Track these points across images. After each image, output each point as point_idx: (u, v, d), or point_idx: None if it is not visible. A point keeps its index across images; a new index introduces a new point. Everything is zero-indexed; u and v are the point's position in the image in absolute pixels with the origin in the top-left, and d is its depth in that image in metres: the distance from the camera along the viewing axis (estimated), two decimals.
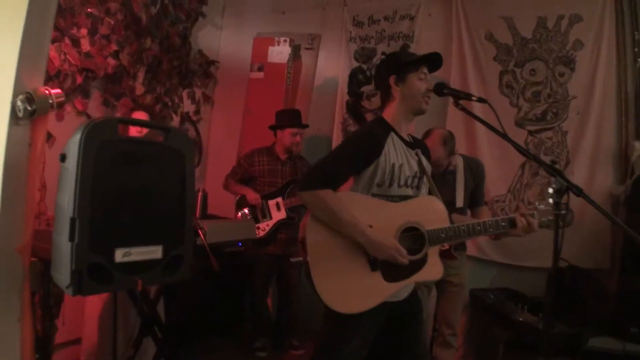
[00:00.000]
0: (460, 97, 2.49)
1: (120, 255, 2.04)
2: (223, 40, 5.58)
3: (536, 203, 2.53)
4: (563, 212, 2.09)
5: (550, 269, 4.15)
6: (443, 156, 3.77)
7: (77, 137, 1.94)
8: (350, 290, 2.32)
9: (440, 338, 3.90)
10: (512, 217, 2.43)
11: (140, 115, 3.86)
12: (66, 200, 1.94)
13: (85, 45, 4.06)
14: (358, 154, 2.43)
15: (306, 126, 4.71)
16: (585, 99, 4.56)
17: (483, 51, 4.83)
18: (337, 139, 5.25)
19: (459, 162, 3.87)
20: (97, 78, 4.23)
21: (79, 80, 4.04)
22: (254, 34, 5.43)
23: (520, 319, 3.83)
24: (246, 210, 4.51)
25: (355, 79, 5.27)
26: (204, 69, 5.38)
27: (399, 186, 2.47)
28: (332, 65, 5.36)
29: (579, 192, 2.04)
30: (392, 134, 2.50)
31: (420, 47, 5.04)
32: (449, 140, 3.80)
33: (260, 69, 5.28)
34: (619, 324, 3.91)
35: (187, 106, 5.30)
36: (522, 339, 3.77)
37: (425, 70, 2.53)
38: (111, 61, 4.28)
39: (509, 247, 4.57)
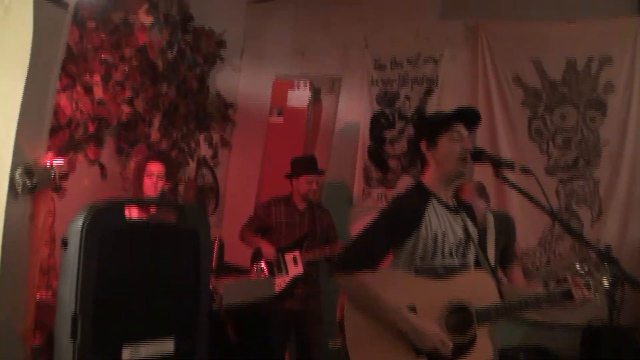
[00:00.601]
0: (501, 165, 2.31)
1: (127, 354, 1.90)
2: (241, 82, 5.57)
3: (590, 270, 2.38)
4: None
5: (585, 327, 4.05)
6: (483, 208, 3.59)
7: (79, 224, 1.83)
8: None
9: None
10: (568, 289, 2.30)
11: (155, 165, 3.80)
12: (67, 293, 1.82)
13: (98, 92, 4.09)
14: (396, 227, 2.29)
15: (322, 172, 4.62)
16: (617, 145, 4.38)
17: (511, 95, 4.70)
18: (358, 186, 5.15)
19: (488, 218, 3.71)
20: (111, 125, 4.22)
21: (91, 128, 4.04)
22: (273, 77, 5.42)
23: None
24: (263, 265, 4.39)
25: (377, 124, 5.17)
26: (221, 112, 5.37)
27: (443, 256, 2.31)
28: (353, 109, 5.27)
29: (637, 286, 1.91)
30: (433, 199, 2.35)
31: (444, 91, 4.98)
32: (482, 190, 3.64)
33: (279, 114, 5.27)
34: None
35: (204, 150, 5.29)
36: None
37: (459, 128, 2.35)
38: (125, 108, 4.29)
39: None
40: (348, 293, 2.24)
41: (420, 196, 2.36)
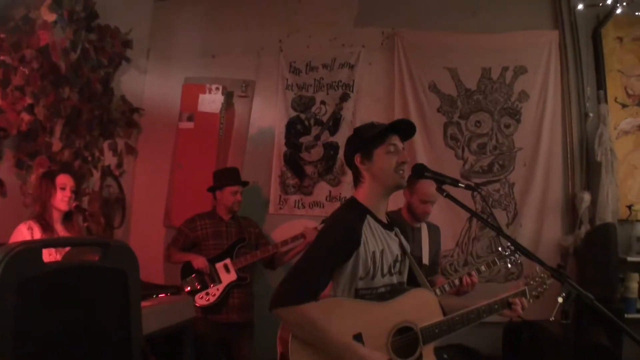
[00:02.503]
0: (445, 182, 2.40)
1: None
2: (147, 85, 5.40)
3: (528, 280, 2.64)
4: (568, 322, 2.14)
5: (506, 324, 4.33)
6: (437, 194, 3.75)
7: None
8: None
9: None
10: (505, 299, 2.47)
11: (65, 178, 3.64)
12: None
13: None
14: (336, 250, 2.26)
15: (246, 183, 4.63)
16: (531, 151, 4.80)
17: (427, 102, 4.97)
18: (274, 193, 5.20)
19: (422, 228, 3.91)
20: (10, 136, 3.97)
21: None
22: (182, 79, 5.30)
23: None
24: (194, 280, 4.35)
25: (293, 129, 5.23)
26: (126, 116, 5.18)
27: (383, 275, 2.35)
28: (267, 115, 5.30)
29: (590, 301, 2.01)
30: (368, 217, 2.36)
31: (361, 97, 5.15)
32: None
33: (190, 119, 5.17)
34: None
35: (109, 159, 5.07)
36: None
37: (394, 140, 2.39)
38: (25, 116, 4.04)
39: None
40: (291, 328, 2.19)
41: (356, 214, 2.37)
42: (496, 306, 2.46)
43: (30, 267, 1.70)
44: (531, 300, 2.56)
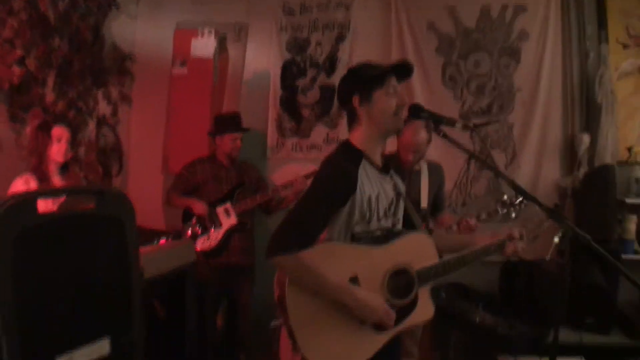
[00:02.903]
0: (442, 122, 2.37)
1: None
2: (139, 32, 5.28)
3: (526, 222, 2.71)
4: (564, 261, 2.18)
5: (503, 264, 4.43)
6: (426, 140, 3.77)
7: None
8: (341, 349, 2.24)
9: (403, 348, 3.99)
10: (502, 241, 2.52)
11: (60, 130, 3.62)
12: None
13: None
14: (332, 196, 2.25)
15: (246, 130, 4.63)
16: (530, 91, 4.77)
17: (425, 42, 4.89)
18: (271, 137, 5.20)
19: (422, 165, 3.95)
20: (2, 90, 3.96)
21: None
22: (174, 25, 5.20)
23: (477, 320, 3.97)
24: (196, 225, 4.43)
25: (288, 72, 5.18)
26: (119, 64, 5.13)
27: (378, 219, 2.36)
28: (262, 58, 5.23)
29: (587, 241, 2.06)
30: (364, 161, 2.34)
31: (357, 38, 5.08)
32: (430, 126, 3.76)
33: (183, 64, 5.11)
34: (574, 315, 4.16)
35: (103, 108, 5.05)
36: (480, 342, 3.94)
37: (393, 82, 2.34)
38: (16, 70, 4.02)
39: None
40: (289, 274, 2.20)
41: (351, 159, 2.34)
42: (492, 248, 2.50)
43: (26, 219, 1.71)
44: (528, 242, 2.59)
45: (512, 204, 3.77)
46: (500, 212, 3.80)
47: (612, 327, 4.16)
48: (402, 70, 2.39)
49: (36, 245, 1.74)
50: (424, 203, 3.89)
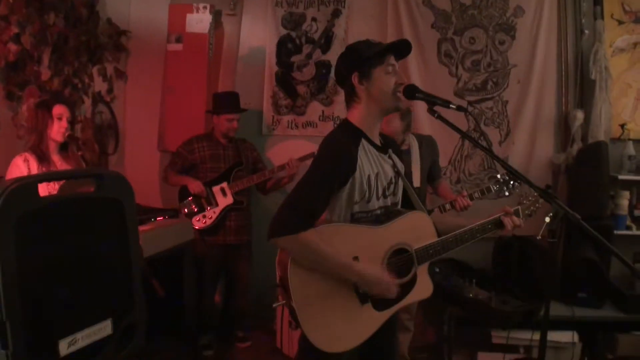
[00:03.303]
0: (436, 103, 2.36)
1: (65, 347, 1.80)
2: (133, 7, 5.28)
3: (521, 199, 2.75)
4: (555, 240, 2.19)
5: (496, 239, 4.50)
6: (400, 130, 3.84)
7: None
8: (343, 328, 2.31)
9: (399, 323, 4.08)
10: (498, 218, 2.54)
11: (61, 108, 3.62)
12: None
13: None
14: (331, 177, 2.27)
15: (244, 110, 4.68)
16: (525, 68, 4.82)
17: (420, 18, 4.92)
18: (267, 114, 5.23)
19: (412, 141, 4.01)
20: None
21: None
22: (168, 0, 5.20)
23: (471, 296, 4.05)
24: (192, 203, 4.50)
25: (284, 48, 5.20)
26: (114, 40, 5.13)
27: (378, 198, 2.41)
28: (257, 33, 5.24)
29: (577, 220, 2.07)
30: (363, 140, 2.37)
31: (352, 13, 5.10)
32: (405, 114, 3.86)
33: (178, 40, 5.12)
34: (566, 290, 4.28)
35: (99, 85, 5.06)
36: (473, 316, 4.03)
37: (392, 61, 2.36)
38: (12, 47, 4.03)
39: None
40: (292, 255, 2.23)
41: (350, 138, 2.36)
42: (489, 226, 2.54)
43: (28, 203, 1.72)
44: (524, 219, 2.65)
45: (505, 182, 3.84)
46: (493, 190, 3.87)
47: (605, 301, 4.26)
48: (401, 49, 2.40)
49: (38, 228, 1.75)
50: (417, 182, 3.96)
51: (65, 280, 1.83)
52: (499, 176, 3.88)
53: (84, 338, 1.87)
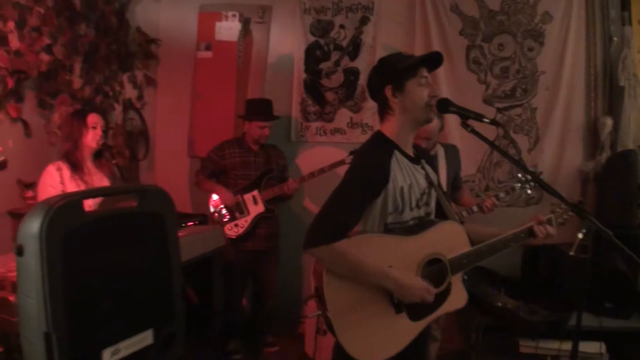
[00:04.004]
0: (469, 117, 2.38)
1: (108, 357, 1.89)
2: (163, 15, 5.39)
3: (554, 207, 2.74)
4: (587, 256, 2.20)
5: (525, 249, 4.49)
6: (437, 129, 3.88)
7: (35, 227, 1.70)
8: (378, 338, 2.34)
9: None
10: (530, 227, 2.54)
11: (96, 117, 3.73)
12: (34, 309, 1.71)
13: (14, 41, 3.90)
14: (364, 189, 2.33)
15: (276, 118, 4.75)
16: (554, 75, 4.82)
17: (449, 24, 4.95)
18: (295, 120, 5.31)
19: (439, 150, 4.06)
20: (30, 78, 4.08)
21: (10, 84, 3.89)
22: (197, 7, 5.30)
23: (500, 304, 4.07)
24: (223, 211, 4.60)
25: (312, 55, 5.27)
26: (144, 48, 5.26)
27: (411, 209, 2.44)
28: (286, 41, 5.31)
29: (609, 237, 2.09)
30: (396, 152, 2.41)
31: (380, 20, 5.15)
32: (440, 114, 3.88)
33: (207, 48, 5.22)
34: (593, 300, 4.19)
35: (129, 92, 5.20)
36: (502, 324, 4.04)
37: (424, 73, 2.40)
38: (44, 57, 4.14)
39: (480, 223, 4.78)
40: (327, 265, 2.27)
41: (384, 150, 2.40)
42: (522, 235, 2.54)
43: (73, 220, 1.79)
44: (557, 228, 2.64)
45: (527, 180, 3.85)
46: (517, 189, 3.88)
47: (633, 311, 4.24)
48: (433, 61, 2.44)
49: (83, 244, 1.83)
50: (444, 187, 3.99)
51: (108, 292, 1.91)
52: (520, 175, 3.90)
53: (126, 348, 1.96)
